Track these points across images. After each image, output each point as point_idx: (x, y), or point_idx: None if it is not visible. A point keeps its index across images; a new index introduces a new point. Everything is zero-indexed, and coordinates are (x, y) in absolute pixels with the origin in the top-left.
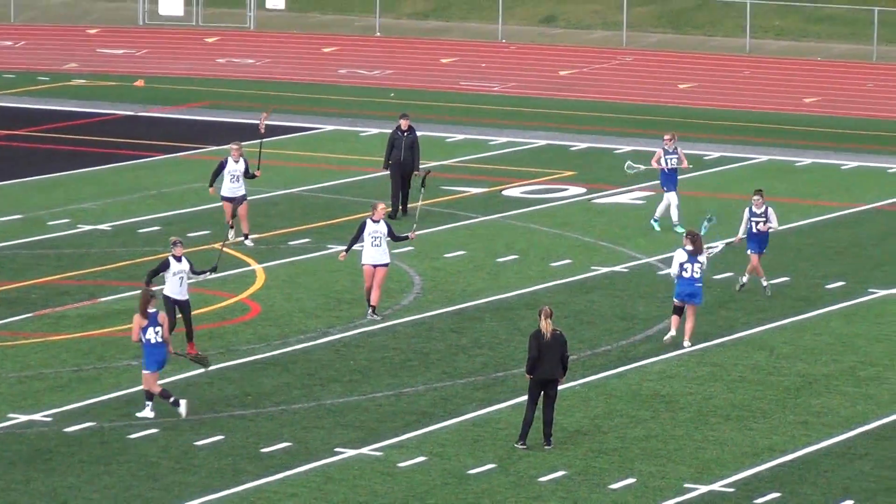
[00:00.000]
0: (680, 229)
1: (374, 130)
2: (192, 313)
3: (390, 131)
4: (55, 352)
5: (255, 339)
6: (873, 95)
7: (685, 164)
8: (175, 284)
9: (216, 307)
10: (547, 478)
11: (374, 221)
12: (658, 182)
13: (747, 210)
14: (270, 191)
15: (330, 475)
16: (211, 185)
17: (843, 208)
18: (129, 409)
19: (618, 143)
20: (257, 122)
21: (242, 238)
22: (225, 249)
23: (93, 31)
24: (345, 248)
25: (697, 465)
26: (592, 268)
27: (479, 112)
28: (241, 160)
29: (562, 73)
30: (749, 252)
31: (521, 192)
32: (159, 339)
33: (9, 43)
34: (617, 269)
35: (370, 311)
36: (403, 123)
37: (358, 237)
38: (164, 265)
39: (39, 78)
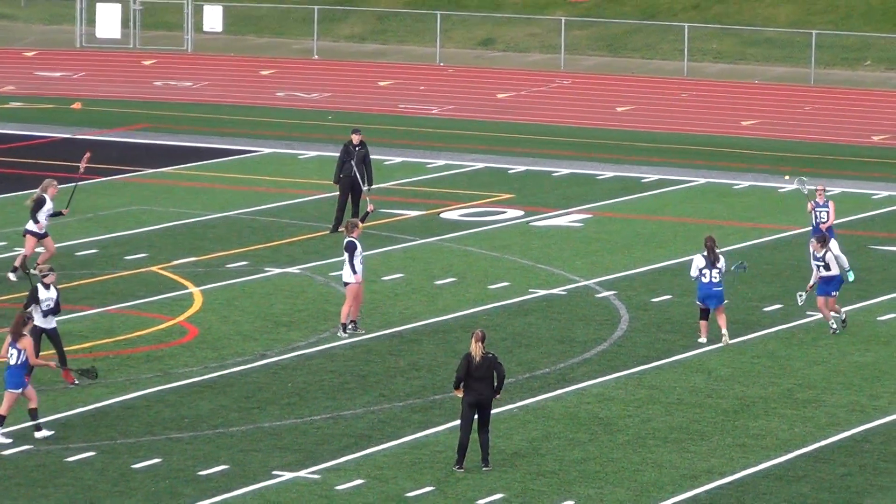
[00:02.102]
0: (851, 276)
1: (313, 153)
2: (131, 335)
3: (328, 154)
4: None
5: (192, 362)
6: (811, 118)
7: (831, 220)
8: (40, 314)
9: (153, 330)
10: (485, 500)
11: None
12: None
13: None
14: (207, 213)
15: (268, 498)
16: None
17: (781, 231)
18: (65, 433)
19: (556, 165)
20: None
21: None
22: (164, 273)
23: (30, 54)
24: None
25: (636, 488)
26: (530, 290)
27: (417, 135)
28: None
29: (500, 95)
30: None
31: (459, 215)
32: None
33: None
34: (555, 291)
35: (352, 325)
36: (355, 138)
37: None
38: (34, 293)
39: None
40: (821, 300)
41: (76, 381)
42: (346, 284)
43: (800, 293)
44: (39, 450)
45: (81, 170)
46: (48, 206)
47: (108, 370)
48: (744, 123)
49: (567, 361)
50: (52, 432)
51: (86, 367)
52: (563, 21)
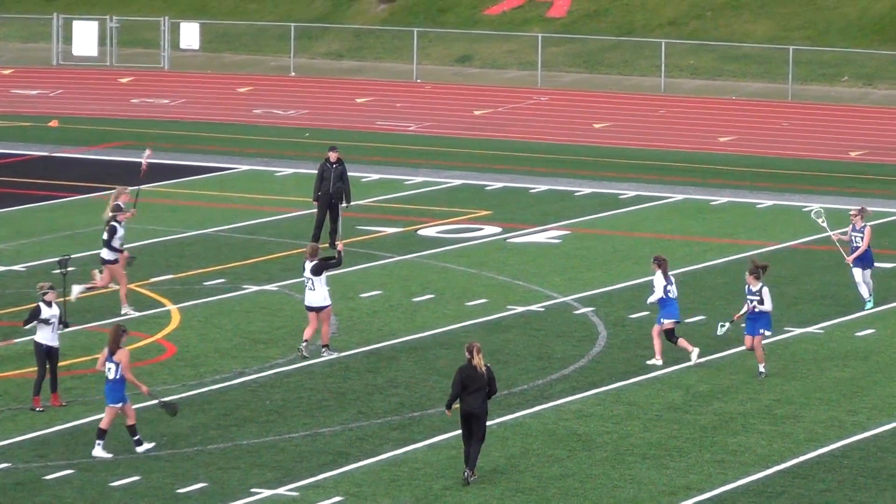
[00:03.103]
0: (869, 305)
1: (289, 170)
2: None
3: (305, 171)
4: None
5: (170, 380)
6: (788, 134)
7: (865, 244)
8: (48, 331)
9: (131, 347)
10: None
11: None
12: None
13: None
14: (185, 231)
15: None
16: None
17: (759, 247)
18: (44, 450)
19: (534, 182)
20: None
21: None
22: (141, 290)
23: (7, 72)
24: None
25: None
26: (508, 307)
27: (395, 152)
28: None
29: (477, 112)
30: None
31: (437, 232)
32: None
33: None
34: (533, 308)
35: (305, 344)
36: (332, 156)
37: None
38: (37, 312)
39: None
40: (748, 339)
41: (64, 403)
42: (320, 309)
43: (722, 323)
44: (18, 468)
45: (144, 166)
46: (120, 233)
47: (86, 388)
48: (721, 139)
49: (545, 378)
50: (153, 444)
51: (169, 400)
52: (539, 38)
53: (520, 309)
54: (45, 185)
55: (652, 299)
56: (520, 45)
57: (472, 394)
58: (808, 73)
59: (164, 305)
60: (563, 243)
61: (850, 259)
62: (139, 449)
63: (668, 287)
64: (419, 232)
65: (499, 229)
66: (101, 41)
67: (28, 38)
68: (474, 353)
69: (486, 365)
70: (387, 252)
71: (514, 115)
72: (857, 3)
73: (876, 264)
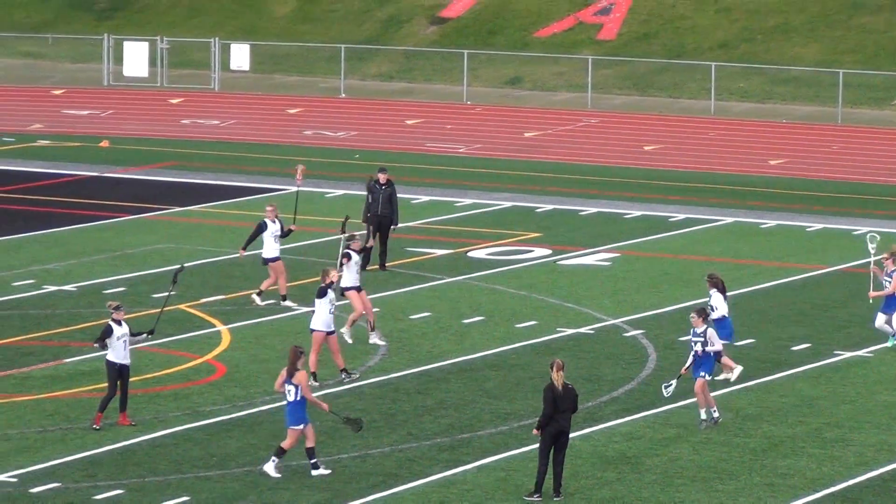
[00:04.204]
0: (891, 342)
1: (339, 192)
2: (158, 374)
3: (355, 192)
4: (20, 412)
5: (220, 401)
6: (838, 157)
7: (890, 289)
8: (119, 349)
9: (182, 368)
10: None
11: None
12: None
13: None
14: (235, 252)
15: None
16: (243, 248)
17: (809, 270)
18: (94, 470)
19: (583, 204)
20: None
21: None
22: (192, 311)
23: (58, 92)
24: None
25: None
26: (558, 329)
27: (445, 173)
28: (277, 220)
29: (527, 134)
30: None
31: (487, 254)
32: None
33: None
34: (583, 330)
35: (343, 374)
36: (381, 177)
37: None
38: (108, 330)
39: (4, 139)
40: (696, 383)
41: (133, 423)
42: (311, 331)
43: (666, 383)
44: (68, 487)
45: (298, 182)
46: (269, 229)
47: (137, 408)
48: (771, 162)
49: (595, 400)
50: (329, 471)
51: (354, 417)
52: (590, 60)
53: (569, 331)
54: (95, 205)
55: (715, 316)
56: (570, 68)
57: (563, 413)
58: (858, 96)
59: (214, 326)
60: (612, 266)
61: (872, 295)
62: (314, 472)
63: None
64: (469, 254)
65: (549, 251)
66: (152, 62)
67: (79, 58)
68: (553, 370)
69: (568, 383)
70: (437, 273)
71: (563, 137)
72: None
73: None
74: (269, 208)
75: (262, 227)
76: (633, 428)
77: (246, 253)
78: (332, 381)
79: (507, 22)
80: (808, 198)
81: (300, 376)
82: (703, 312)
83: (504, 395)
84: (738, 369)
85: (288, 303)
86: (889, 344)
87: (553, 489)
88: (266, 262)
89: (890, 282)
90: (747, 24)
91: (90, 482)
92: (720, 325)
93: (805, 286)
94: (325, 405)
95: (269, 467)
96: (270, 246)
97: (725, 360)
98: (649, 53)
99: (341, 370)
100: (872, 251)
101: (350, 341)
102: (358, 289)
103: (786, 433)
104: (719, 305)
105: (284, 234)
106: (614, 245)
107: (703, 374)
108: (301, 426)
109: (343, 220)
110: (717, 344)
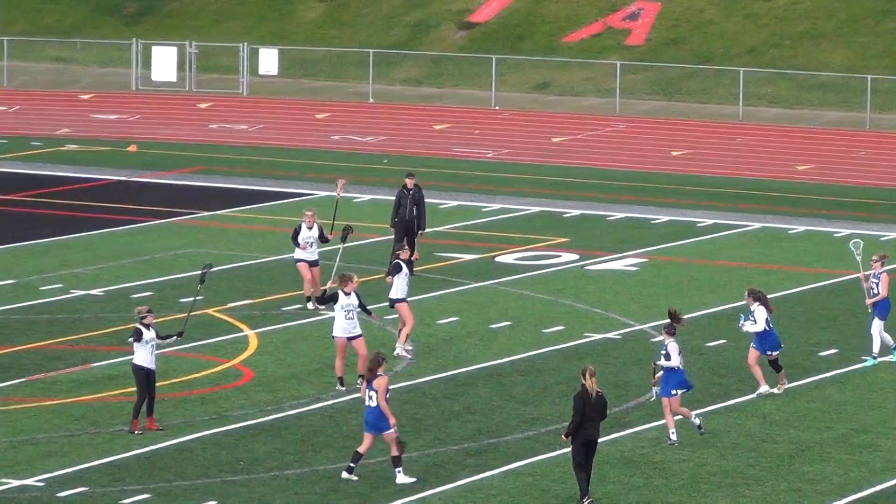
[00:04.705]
0: (870, 361)
1: (367, 196)
2: (185, 378)
3: (383, 197)
4: (48, 417)
5: (247, 405)
6: (866, 163)
7: (882, 293)
8: (148, 353)
9: (209, 373)
10: None
11: (346, 294)
12: None
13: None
14: (262, 256)
15: None
16: (298, 247)
17: (836, 276)
18: (121, 475)
19: (611, 209)
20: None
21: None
22: (219, 315)
23: (86, 97)
24: (322, 301)
25: None
26: (586, 334)
27: (472, 178)
28: (315, 226)
29: (555, 139)
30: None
31: (514, 259)
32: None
33: (2, 108)
34: (610, 335)
35: (360, 379)
36: (409, 182)
37: (329, 304)
38: (139, 333)
39: (32, 143)
40: (663, 401)
41: (161, 428)
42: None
43: (649, 396)
44: (94, 492)
45: (338, 195)
46: (303, 234)
47: (164, 413)
48: (799, 168)
49: (622, 405)
50: (414, 479)
51: (404, 441)
52: (618, 65)
53: (597, 336)
54: (123, 209)
55: (751, 329)
56: (598, 73)
57: (592, 421)
58: (887, 101)
59: (241, 330)
60: (640, 271)
61: (869, 302)
62: (398, 480)
63: (769, 318)
64: (497, 259)
65: (576, 256)
66: (181, 66)
67: (108, 63)
68: (587, 377)
69: (598, 391)
70: (464, 279)
71: (591, 142)
72: None
73: None
74: (307, 213)
75: (297, 231)
76: (661, 433)
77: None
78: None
79: (535, 27)
80: (835, 203)
81: (380, 382)
82: (671, 326)
83: (531, 401)
84: (764, 386)
85: (310, 305)
86: (869, 363)
87: (580, 494)
88: (297, 261)
89: (878, 283)
90: (776, 29)
91: (117, 486)
92: (764, 337)
93: (832, 292)
94: (393, 419)
95: (401, 478)
96: (300, 251)
97: (759, 370)
98: (677, 59)
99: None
100: (859, 258)
101: (410, 357)
102: (406, 301)
103: (813, 439)
104: (759, 319)
105: (323, 241)
106: (642, 250)
107: (674, 391)
108: (392, 430)
109: (344, 231)
110: (672, 360)
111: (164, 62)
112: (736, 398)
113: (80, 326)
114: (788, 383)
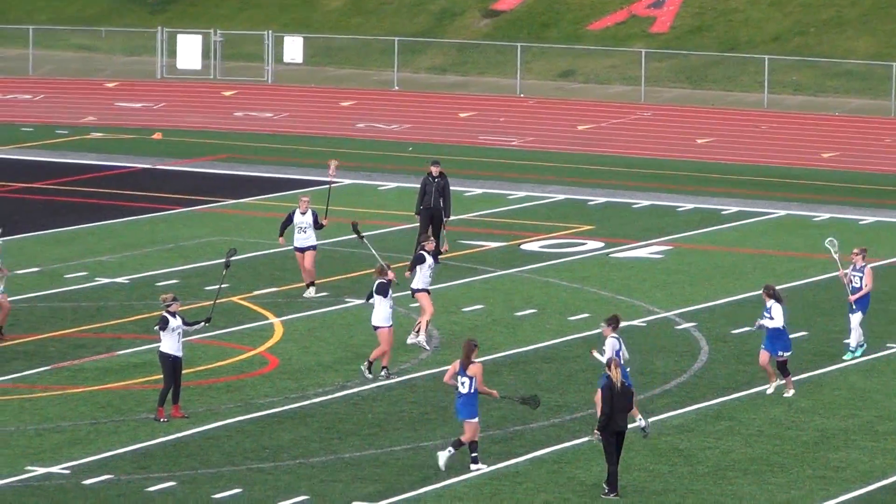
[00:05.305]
0: (849, 356)
1: (392, 184)
2: (210, 366)
3: (408, 185)
4: (73, 404)
5: (272, 393)
6: (891, 150)
7: (868, 287)
8: (174, 341)
9: (234, 360)
10: None
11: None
12: None
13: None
14: (288, 244)
15: None
16: (280, 235)
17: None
18: (146, 462)
19: (636, 197)
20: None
21: (307, 287)
22: (244, 303)
23: (111, 85)
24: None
25: None
26: None
27: (498, 166)
28: (309, 212)
29: (580, 127)
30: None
31: (539, 247)
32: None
33: (27, 96)
34: (635, 323)
35: (383, 371)
36: (434, 170)
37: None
38: (164, 321)
39: (57, 131)
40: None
41: (185, 415)
42: (376, 328)
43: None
44: (120, 479)
45: (331, 175)
46: (297, 219)
47: (189, 400)
48: (823, 155)
49: (647, 393)
50: (486, 467)
51: (529, 395)
52: (643, 53)
53: (622, 324)
54: (148, 197)
55: (771, 324)
56: (623, 60)
57: (620, 413)
58: None
59: (267, 318)
60: (665, 258)
61: (852, 298)
62: (473, 466)
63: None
64: (522, 246)
65: (601, 244)
66: (205, 55)
67: (132, 51)
68: (612, 368)
69: (624, 382)
70: (489, 266)
71: (616, 129)
72: None
73: None
74: (302, 199)
75: (290, 217)
76: (685, 421)
77: (284, 241)
78: (385, 374)
79: (560, 15)
80: (860, 191)
81: (475, 368)
82: (613, 320)
83: (556, 388)
84: (774, 384)
85: (311, 292)
86: (848, 356)
87: (613, 485)
88: (296, 250)
89: (862, 277)
90: (800, 17)
91: (143, 474)
92: (777, 337)
93: None
94: (495, 392)
95: (476, 465)
96: (295, 237)
97: (767, 367)
98: (702, 46)
99: (383, 367)
100: (836, 256)
101: (428, 348)
102: (428, 291)
103: (838, 426)
104: (777, 316)
105: (318, 227)
106: (667, 238)
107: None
108: (476, 419)
109: (353, 227)
110: (606, 354)
111: (189, 50)
112: (761, 385)
113: (105, 314)
114: (813, 371)
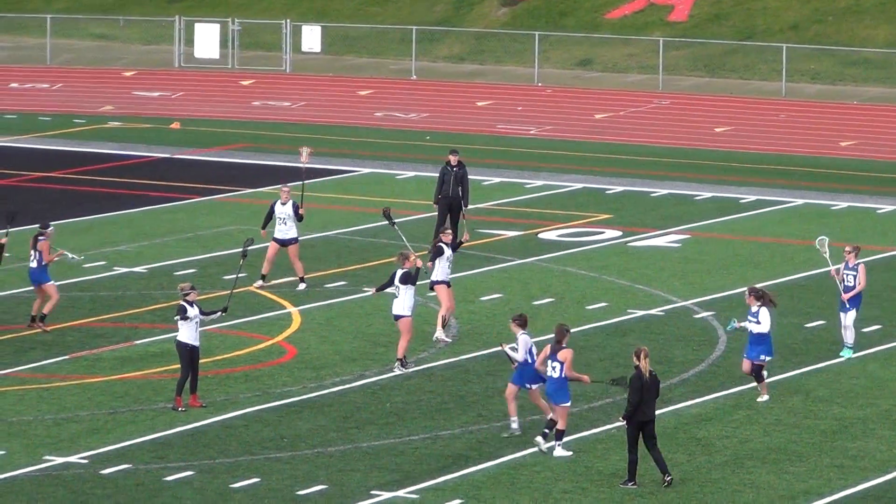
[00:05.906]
0: (847, 353)
1: (411, 173)
2: (228, 355)
3: (426, 174)
4: (91, 394)
5: (290, 382)
6: None
7: (861, 285)
8: (191, 330)
9: (252, 350)
10: None
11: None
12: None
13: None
14: (306, 233)
15: None
16: (263, 228)
17: (879, 252)
18: (164, 452)
19: (654, 186)
20: (299, 163)
21: (298, 280)
22: (261, 292)
23: (128, 74)
24: (375, 288)
25: None
26: (628, 311)
27: (515, 155)
28: (290, 202)
29: (598, 116)
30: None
31: (557, 236)
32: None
33: (45, 85)
34: (653, 312)
35: (398, 362)
36: (453, 159)
37: (389, 284)
38: (183, 310)
39: (75, 120)
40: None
41: (203, 405)
42: (399, 318)
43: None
44: (138, 469)
45: (304, 162)
46: (277, 209)
47: (207, 390)
48: (842, 144)
49: (665, 382)
50: (571, 453)
51: (619, 377)
52: (661, 42)
53: (640, 313)
54: (166, 186)
55: (756, 329)
56: (641, 49)
57: (648, 402)
58: None
59: (284, 308)
60: (683, 247)
61: (846, 297)
62: (556, 453)
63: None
64: (539, 235)
65: (619, 233)
66: (223, 44)
67: (150, 40)
68: (641, 358)
69: (651, 371)
70: (507, 255)
71: (634, 118)
72: None
73: None
74: (283, 189)
75: (272, 208)
76: (704, 409)
77: (266, 234)
78: (377, 368)
79: (577, 3)
80: (878, 179)
81: (565, 353)
82: (520, 318)
83: None
84: (766, 398)
85: (302, 286)
86: (845, 354)
87: (661, 472)
88: (273, 240)
89: (856, 276)
90: (818, 5)
91: (160, 463)
92: (761, 341)
93: (875, 268)
94: (586, 378)
95: (559, 451)
96: (276, 228)
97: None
98: (720, 35)
99: (398, 358)
100: (827, 255)
101: (449, 339)
102: (447, 283)
103: (856, 415)
104: (764, 321)
105: (299, 219)
106: (685, 227)
107: (528, 385)
108: (568, 403)
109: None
110: (518, 353)
111: (207, 39)
112: (779, 375)
113: (124, 304)
114: (831, 360)
